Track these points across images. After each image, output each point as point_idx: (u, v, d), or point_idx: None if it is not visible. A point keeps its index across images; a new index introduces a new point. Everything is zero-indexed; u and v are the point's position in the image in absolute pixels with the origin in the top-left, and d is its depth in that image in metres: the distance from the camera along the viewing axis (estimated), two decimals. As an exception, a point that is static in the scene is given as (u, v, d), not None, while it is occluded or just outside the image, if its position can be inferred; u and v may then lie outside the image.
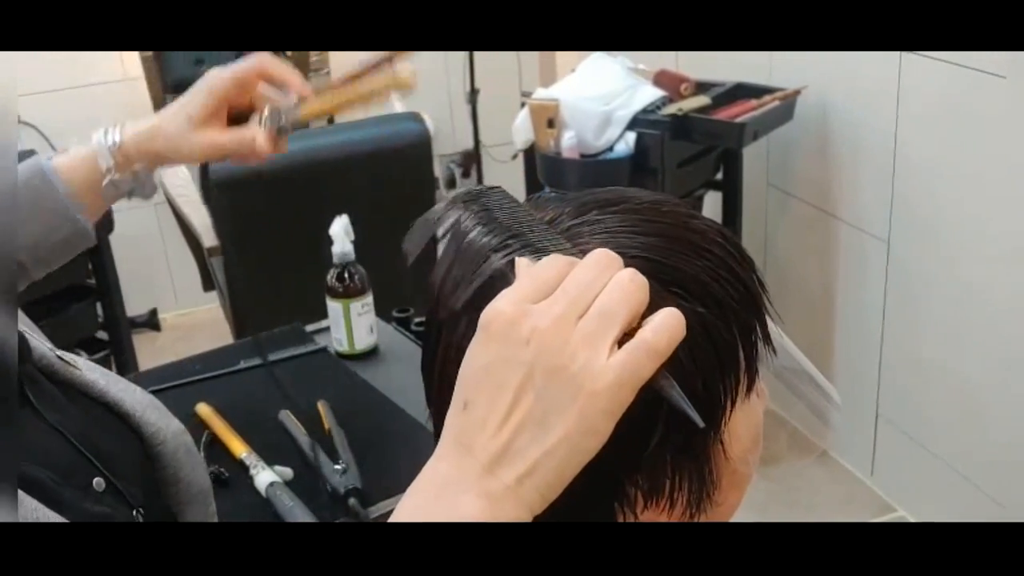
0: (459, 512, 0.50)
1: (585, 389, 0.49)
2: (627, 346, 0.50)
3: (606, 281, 0.51)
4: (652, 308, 0.52)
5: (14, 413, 0.66)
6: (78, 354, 0.89)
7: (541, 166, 2.53)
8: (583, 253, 0.53)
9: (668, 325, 0.50)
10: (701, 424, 0.50)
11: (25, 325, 0.79)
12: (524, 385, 0.50)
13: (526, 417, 0.50)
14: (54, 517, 0.66)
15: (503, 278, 0.54)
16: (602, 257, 0.52)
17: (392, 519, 0.52)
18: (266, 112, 0.97)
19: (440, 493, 0.51)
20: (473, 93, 3.42)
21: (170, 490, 0.86)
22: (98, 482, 0.75)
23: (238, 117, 1.01)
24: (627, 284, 0.51)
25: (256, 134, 0.97)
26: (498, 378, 0.51)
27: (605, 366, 0.49)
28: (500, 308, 0.51)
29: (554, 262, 0.53)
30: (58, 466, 0.72)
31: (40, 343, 0.79)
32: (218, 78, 0.99)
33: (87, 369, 0.83)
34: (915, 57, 2.11)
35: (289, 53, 3.50)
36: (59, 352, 0.80)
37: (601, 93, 2.42)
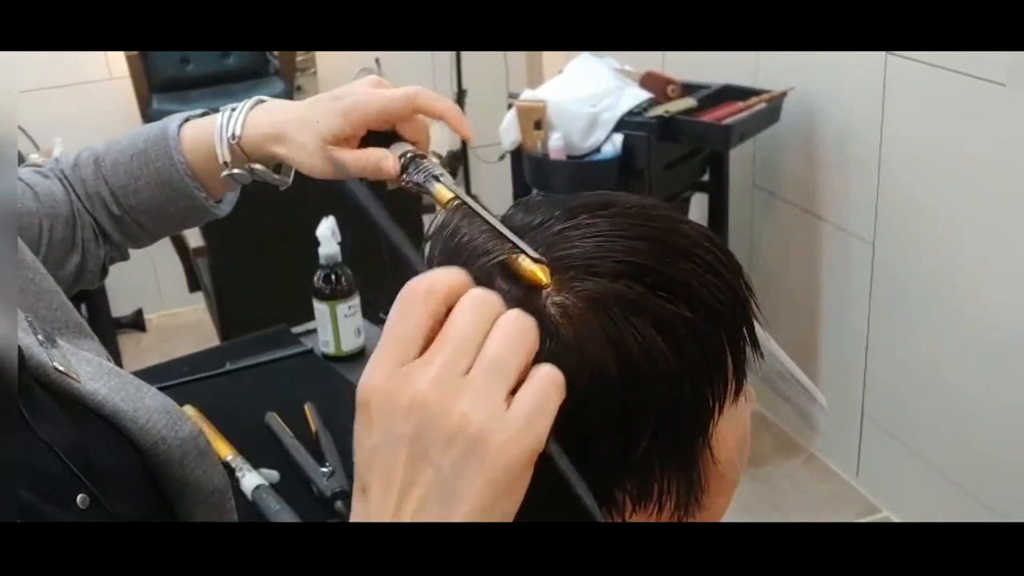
0: None
1: (490, 446, 0.45)
2: (530, 384, 0.47)
3: (486, 327, 0.47)
4: (639, 310, 0.52)
5: (12, 421, 0.65)
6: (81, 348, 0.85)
7: (528, 168, 2.52)
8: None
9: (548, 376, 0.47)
10: (588, 503, 0.47)
11: (25, 330, 0.77)
12: (414, 460, 0.46)
13: (425, 494, 0.46)
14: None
15: None
16: (476, 299, 0.48)
17: None
18: (402, 162, 0.81)
19: None
20: (460, 94, 3.42)
21: (177, 496, 0.83)
22: (82, 499, 0.73)
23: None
24: (517, 330, 0.47)
25: (384, 158, 0.82)
26: (386, 459, 0.47)
27: (508, 416, 0.46)
28: (372, 384, 0.47)
29: (406, 309, 0.48)
30: (42, 481, 0.70)
31: (37, 352, 0.76)
32: (360, 108, 0.84)
33: (89, 379, 0.80)
34: (900, 60, 2.12)
35: (276, 53, 3.50)
36: (56, 363, 0.77)
37: (588, 95, 2.42)
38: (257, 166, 0.92)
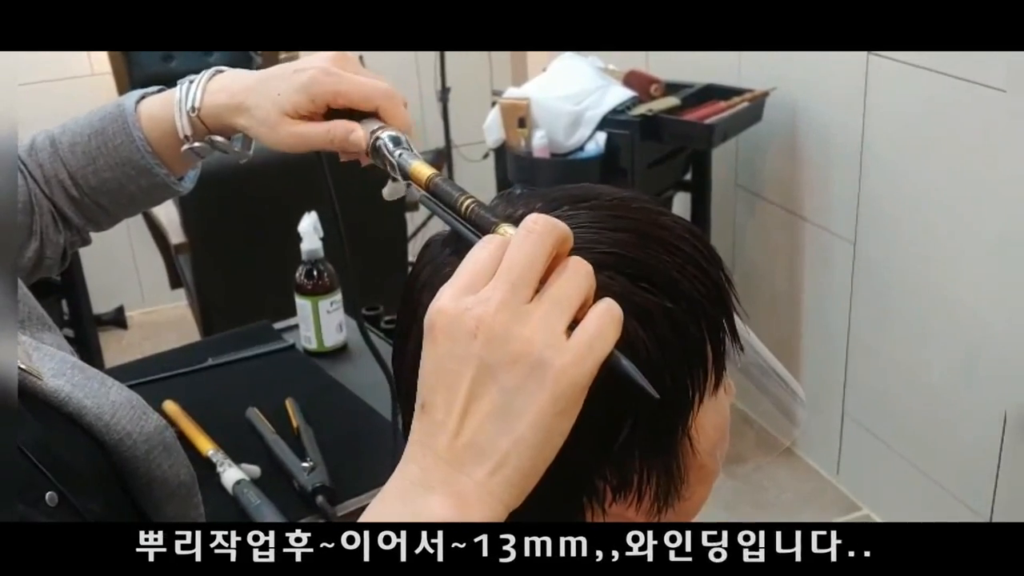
0: (427, 513, 0.49)
1: (553, 367, 0.48)
2: (593, 314, 0.50)
3: (543, 254, 0.50)
4: (622, 301, 0.52)
5: (12, 439, 0.64)
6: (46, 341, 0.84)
7: (512, 165, 2.53)
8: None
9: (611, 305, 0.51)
10: (656, 395, 0.50)
11: None
12: (479, 378, 0.49)
13: (488, 410, 0.49)
14: None
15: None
16: (534, 226, 0.51)
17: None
18: (371, 140, 0.76)
19: (406, 496, 0.50)
20: (444, 92, 3.42)
21: (144, 491, 0.83)
22: (51, 496, 0.72)
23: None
24: (581, 272, 0.51)
25: (352, 131, 0.79)
26: (450, 377, 0.50)
27: (569, 343, 0.49)
28: (440, 307, 0.50)
29: (485, 245, 0.52)
30: None
31: None
32: (329, 90, 0.81)
33: (52, 375, 0.79)
34: (882, 60, 2.13)
35: (260, 53, 3.49)
36: (18, 362, 0.76)
37: (572, 93, 2.43)
38: (218, 138, 0.89)
